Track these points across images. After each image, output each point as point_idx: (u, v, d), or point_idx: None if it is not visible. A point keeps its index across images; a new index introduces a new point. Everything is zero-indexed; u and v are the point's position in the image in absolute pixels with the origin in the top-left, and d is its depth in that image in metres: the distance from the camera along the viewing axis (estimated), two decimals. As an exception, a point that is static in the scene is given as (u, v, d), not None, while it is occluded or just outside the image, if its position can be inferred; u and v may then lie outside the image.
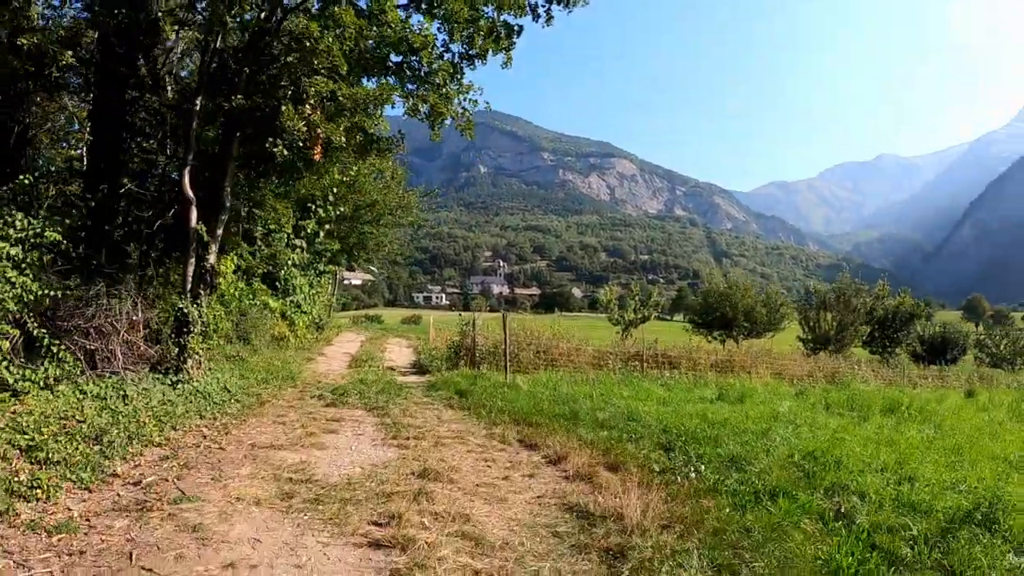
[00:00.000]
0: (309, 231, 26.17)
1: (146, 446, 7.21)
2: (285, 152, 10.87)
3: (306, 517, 5.33)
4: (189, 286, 11.20)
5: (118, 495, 5.71)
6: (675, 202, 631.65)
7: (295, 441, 8.01)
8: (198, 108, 11.14)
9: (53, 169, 15.44)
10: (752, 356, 24.81)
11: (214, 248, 11.56)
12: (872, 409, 15.13)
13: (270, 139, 10.88)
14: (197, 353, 10.95)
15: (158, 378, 10.27)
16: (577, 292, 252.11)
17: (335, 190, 27.40)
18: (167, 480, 6.17)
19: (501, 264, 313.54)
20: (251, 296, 22.31)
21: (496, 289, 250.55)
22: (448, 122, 12.64)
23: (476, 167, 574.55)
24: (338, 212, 27.84)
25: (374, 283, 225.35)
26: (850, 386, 20.97)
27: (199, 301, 11.07)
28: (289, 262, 24.38)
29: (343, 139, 10.87)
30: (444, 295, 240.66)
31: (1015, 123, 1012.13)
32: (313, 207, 26.65)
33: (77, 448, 6.51)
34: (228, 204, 11.76)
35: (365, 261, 40.55)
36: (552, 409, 10.98)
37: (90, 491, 5.75)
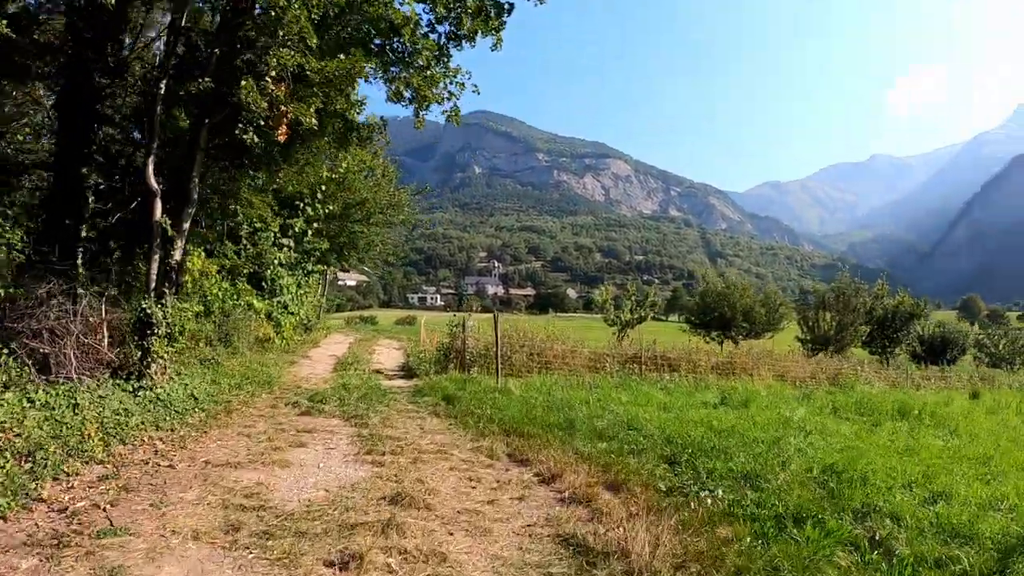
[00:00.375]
0: (297, 230, 25.32)
1: (86, 463, 6.36)
2: (256, 139, 10.00)
3: (250, 556, 4.48)
4: (153, 284, 10.34)
5: (37, 525, 4.87)
6: (670, 203, 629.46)
7: (257, 457, 7.16)
8: (163, 92, 10.28)
9: (27, 161, 14.60)
10: (753, 358, 24.02)
11: (180, 243, 10.68)
12: (882, 413, 14.43)
13: (240, 125, 10.02)
14: (161, 357, 10.09)
15: (119, 384, 9.41)
16: (572, 293, 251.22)
17: (323, 188, 26.60)
18: (98, 506, 5.32)
19: (496, 265, 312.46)
20: (235, 296, 21.47)
21: (491, 290, 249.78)
22: (434, 109, 11.78)
23: (471, 168, 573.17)
24: (327, 210, 27.01)
25: (369, 284, 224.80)
26: (855, 388, 20.36)
27: (163, 300, 10.21)
28: (275, 261, 23.51)
29: (314, 121, 10.01)
30: (439, 296, 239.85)
31: (1009, 123, 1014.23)
32: (301, 205, 25.81)
33: (2, 468, 5.67)
34: (195, 197, 10.88)
35: (357, 261, 39.69)
36: (546, 417, 10.17)
37: (5, 520, 4.91)
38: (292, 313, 24.81)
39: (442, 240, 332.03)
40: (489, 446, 8.01)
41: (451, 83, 11.65)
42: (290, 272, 25.46)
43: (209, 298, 20.70)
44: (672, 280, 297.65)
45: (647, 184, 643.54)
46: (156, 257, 10.29)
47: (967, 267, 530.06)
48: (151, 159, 10.32)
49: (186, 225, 10.75)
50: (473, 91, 12.15)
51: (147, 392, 9.42)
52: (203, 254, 21.92)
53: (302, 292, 25.93)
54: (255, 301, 21.81)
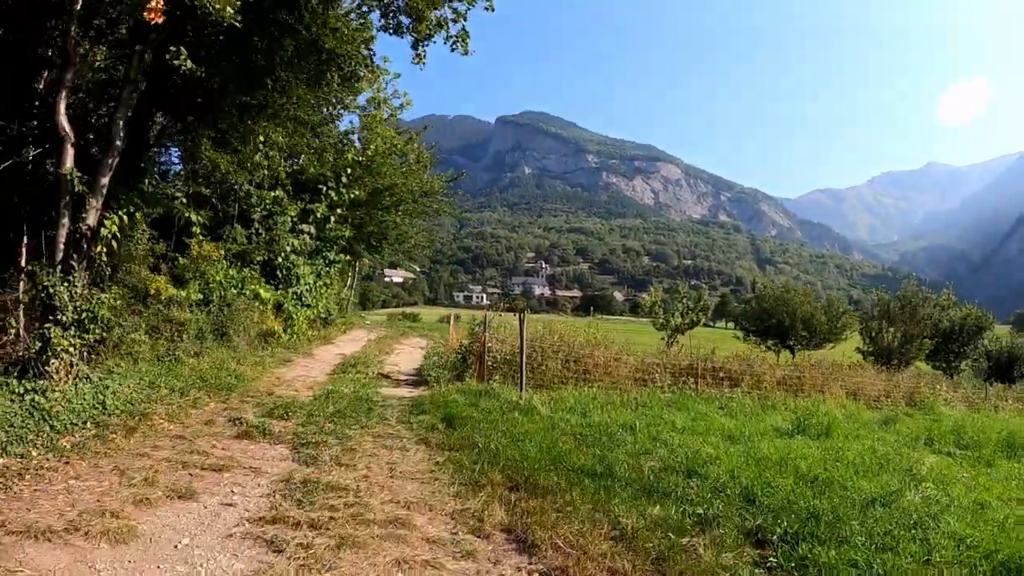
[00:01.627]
0: (318, 215, 22.96)
1: None
2: (189, 63, 7.40)
3: None
4: (60, 256, 7.82)
5: None
6: (719, 207, 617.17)
7: (97, 516, 4.50)
8: (79, 6, 7.75)
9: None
10: (823, 372, 20.82)
11: (95, 203, 8.16)
12: (987, 446, 11.59)
13: (171, 48, 7.42)
14: (67, 351, 7.58)
15: (4, 383, 6.97)
16: (619, 295, 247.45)
17: (349, 171, 24.19)
18: None
19: (543, 265, 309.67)
20: (238, 284, 19.17)
21: (537, 290, 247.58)
22: (439, 44, 9.00)
23: (520, 168, 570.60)
24: (352, 196, 24.56)
25: (415, 281, 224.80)
26: (934, 409, 17.91)
27: (71, 277, 7.69)
28: (288, 248, 21.12)
29: (231, 12, 7.21)
30: (485, 295, 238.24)
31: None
32: (324, 189, 23.42)
33: None
34: (119, 144, 8.32)
35: (392, 254, 37.22)
36: (575, 456, 7.38)
37: None
38: (308, 306, 22.45)
39: (490, 239, 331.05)
40: (480, 509, 5.18)
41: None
42: (308, 261, 23.11)
43: (211, 285, 18.49)
44: (720, 286, 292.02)
45: (697, 188, 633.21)
46: (64, 222, 7.78)
47: (1021, 279, 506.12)
48: (63, 95, 7.82)
49: (104, 180, 8.22)
50: (486, 9, 9.26)
51: (37, 397, 6.93)
52: (204, 237, 19.75)
53: (321, 283, 23.54)
54: (262, 290, 19.47)
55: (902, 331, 36.40)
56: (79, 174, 7.66)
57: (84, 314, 7.73)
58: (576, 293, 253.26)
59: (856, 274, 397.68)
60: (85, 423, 6.81)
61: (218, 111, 10.02)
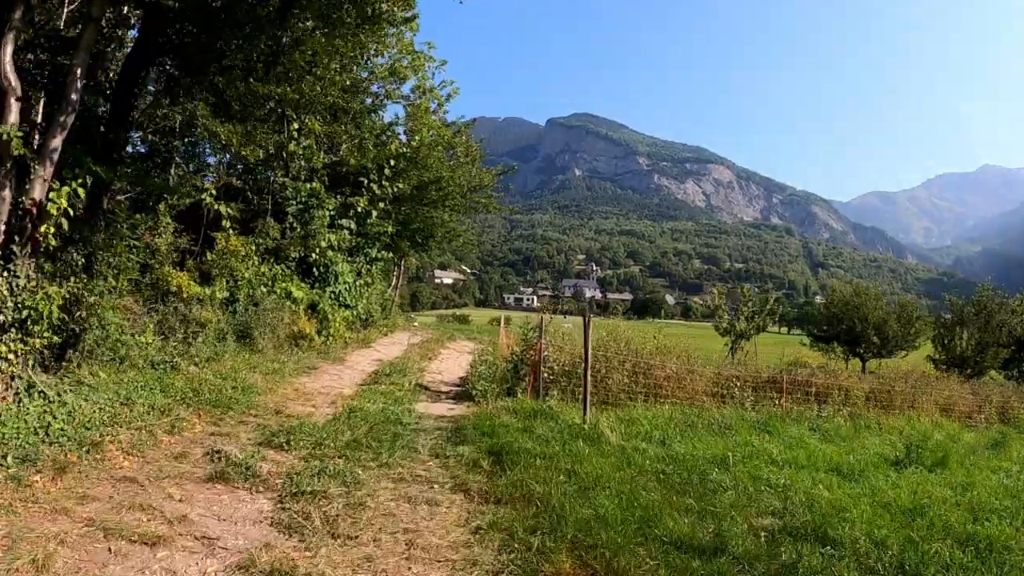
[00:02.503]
0: (359, 210, 21.31)
1: None
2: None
3: None
4: (-1, 239, 6.10)
5: None
6: (771, 210, 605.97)
7: None
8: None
9: None
10: (912, 385, 18.43)
11: (42, 172, 6.41)
12: None
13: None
14: (5, 359, 5.84)
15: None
16: (670, 299, 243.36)
17: (392, 163, 22.49)
18: None
19: (594, 268, 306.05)
20: (269, 282, 17.62)
21: (588, 293, 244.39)
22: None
23: (571, 170, 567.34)
24: (395, 189, 22.86)
25: (465, 283, 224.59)
26: None
27: (12, 266, 5.96)
28: (324, 243, 19.49)
29: None
30: (535, 297, 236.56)
31: None
32: (365, 182, 21.77)
33: None
34: (75, 98, 6.55)
35: (440, 253, 35.57)
36: (667, 515, 5.37)
37: None
38: (347, 306, 20.79)
39: (541, 241, 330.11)
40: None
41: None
42: (348, 258, 21.47)
43: (239, 282, 16.96)
44: (772, 290, 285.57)
45: (749, 190, 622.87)
46: (5, 194, 6.05)
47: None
48: (8, 38, 6.09)
49: (56, 143, 6.46)
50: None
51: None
52: (262, 236, 18.34)
53: (362, 282, 21.86)
54: (294, 289, 17.88)
55: (976, 338, 33.44)
56: (19, 134, 5.92)
57: (27, 312, 5.99)
58: (627, 296, 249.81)
59: (910, 278, 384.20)
60: (5, 457, 5.03)
61: (215, 67, 8.23)
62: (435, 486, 5.84)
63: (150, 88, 10.66)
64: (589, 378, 9.86)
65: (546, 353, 11.37)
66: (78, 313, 7.53)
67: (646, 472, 7.02)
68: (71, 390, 6.77)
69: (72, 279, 7.04)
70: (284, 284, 17.69)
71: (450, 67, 25.83)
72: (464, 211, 30.25)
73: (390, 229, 23.12)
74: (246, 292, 16.52)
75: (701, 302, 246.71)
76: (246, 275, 17.13)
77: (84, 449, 5.57)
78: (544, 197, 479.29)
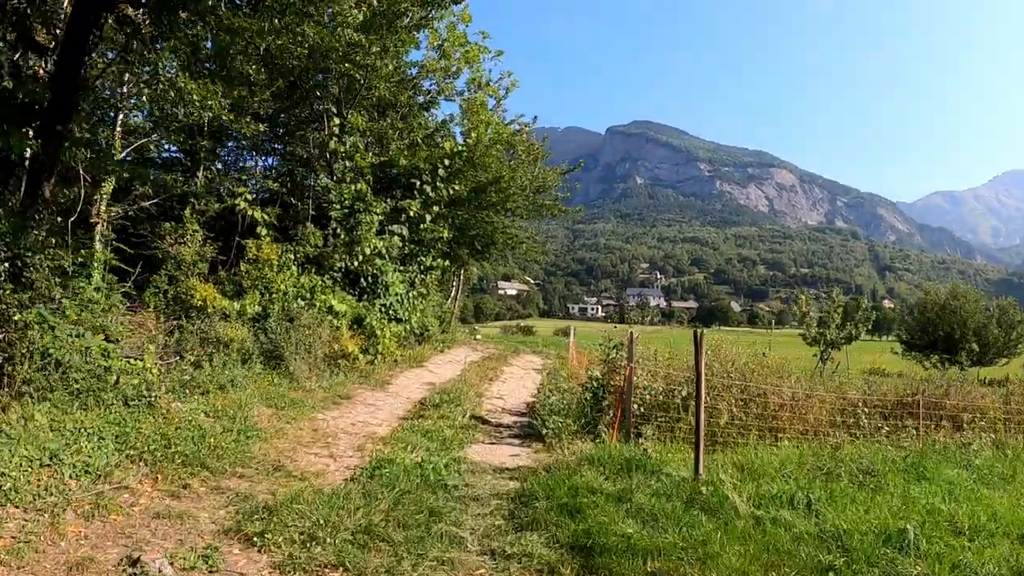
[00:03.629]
0: (411, 214, 19.15)
1: None
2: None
3: None
4: None
5: None
6: (836, 213, 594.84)
7: None
8: None
9: None
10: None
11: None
12: None
13: None
14: None
15: None
16: (735, 306, 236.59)
17: (447, 163, 20.28)
18: None
19: (658, 276, 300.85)
20: (307, 294, 15.58)
21: (653, 302, 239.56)
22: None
23: (632, 178, 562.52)
24: (451, 192, 20.63)
25: (529, 293, 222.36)
26: None
27: None
28: (368, 249, 17.38)
29: None
30: (600, 307, 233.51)
31: None
32: (418, 184, 19.62)
33: None
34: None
35: (503, 261, 33.19)
36: None
37: None
38: (398, 320, 18.63)
39: (603, 251, 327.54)
40: None
41: None
42: (399, 267, 19.35)
43: (274, 295, 14.95)
44: (840, 293, 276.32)
45: (812, 194, 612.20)
46: None
47: None
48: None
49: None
50: None
51: None
52: (269, 239, 16.39)
53: (415, 293, 19.68)
54: (335, 302, 15.77)
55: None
56: None
57: None
58: (692, 304, 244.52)
59: (980, 279, 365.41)
60: None
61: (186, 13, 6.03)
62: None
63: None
64: (702, 415, 7.20)
65: (637, 377, 8.79)
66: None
67: (800, 566, 4.48)
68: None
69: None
70: (324, 296, 15.59)
71: (499, 40, 23.64)
72: (527, 215, 27.82)
73: (445, 234, 20.87)
74: (280, 306, 14.50)
75: (768, 308, 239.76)
76: (282, 287, 15.16)
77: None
78: (606, 206, 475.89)
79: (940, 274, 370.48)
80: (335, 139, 18.46)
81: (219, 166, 18.82)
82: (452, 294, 30.69)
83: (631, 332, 9.32)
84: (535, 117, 26.40)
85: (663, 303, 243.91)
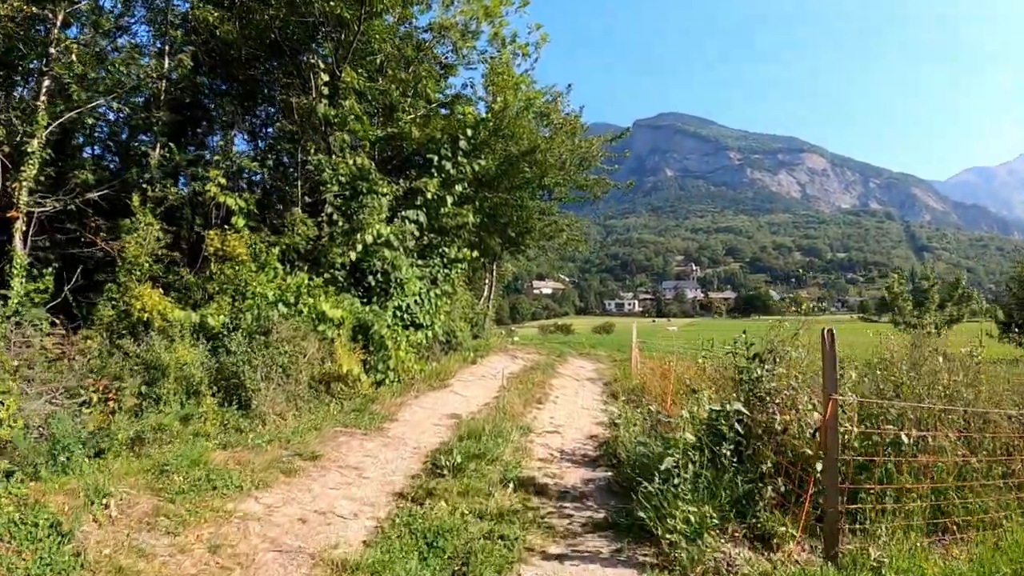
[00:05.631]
0: (428, 196, 15.24)
1: None
2: None
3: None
4: None
5: None
6: (869, 195, 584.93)
7: None
8: None
9: None
10: None
11: None
12: None
13: None
14: None
15: None
16: (774, 294, 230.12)
17: (469, 132, 16.36)
18: None
19: (693, 268, 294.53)
20: (291, 296, 11.83)
21: (690, 294, 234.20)
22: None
23: (662, 171, 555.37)
24: (476, 167, 16.70)
25: (564, 291, 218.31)
26: None
27: None
28: (371, 237, 13.57)
29: None
30: (636, 301, 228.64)
31: None
32: (436, 159, 15.73)
33: None
34: None
35: (538, 251, 28.96)
36: None
37: None
38: (418, 326, 14.82)
39: (637, 245, 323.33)
40: None
41: None
42: (417, 261, 15.53)
43: (248, 300, 11.25)
44: (877, 278, 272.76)
45: (844, 177, 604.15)
46: None
47: None
48: None
49: None
50: None
51: None
52: (247, 231, 12.78)
53: (437, 292, 15.77)
54: (327, 306, 11.93)
55: None
56: None
57: None
58: (729, 294, 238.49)
59: (1020, 255, 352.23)
60: None
61: None
62: None
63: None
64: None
65: (845, 429, 4.68)
66: None
67: None
68: None
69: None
70: (311, 300, 11.74)
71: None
72: (567, 198, 23.66)
73: (471, 219, 16.88)
74: (253, 314, 10.73)
75: (807, 295, 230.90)
76: (260, 289, 11.40)
77: None
78: (637, 200, 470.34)
79: (979, 252, 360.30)
80: (324, 102, 14.65)
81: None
82: (485, 293, 26.70)
83: (827, 329, 5.22)
84: (569, 85, 22.34)
85: (700, 295, 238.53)
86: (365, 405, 9.59)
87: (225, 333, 10.25)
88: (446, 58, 19.46)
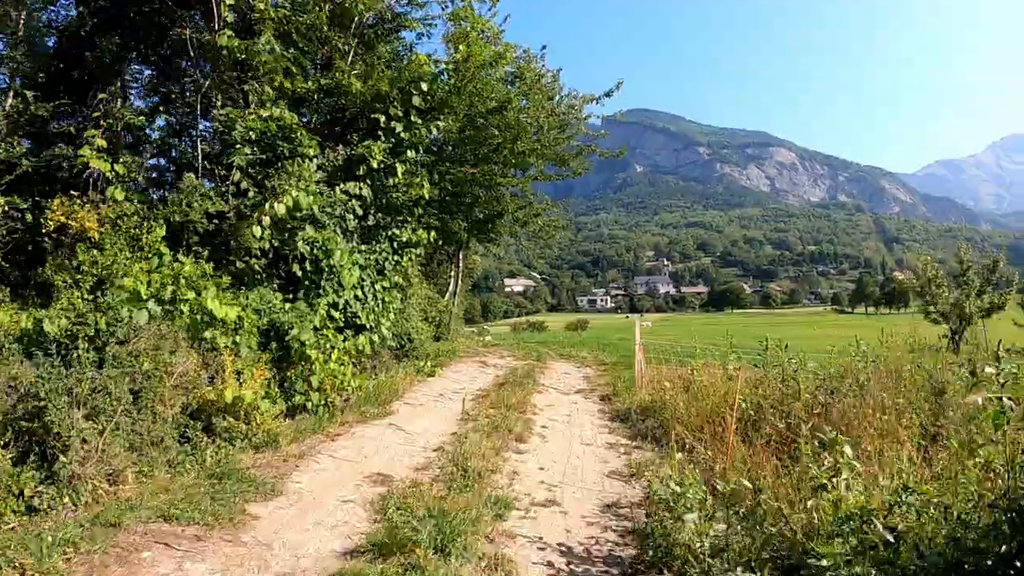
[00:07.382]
0: (375, 165, 11.65)
1: None
2: None
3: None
4: None
5: None
6: (838, 188, 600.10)
7: None
8: None
9: None
10: None
11: None
12: None
13: None
14: None
15: None
16: (746, 287, 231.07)
17: (424, 87, 12.79)
18: None
19: (665, 263, 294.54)
20: (167, 291, 8.22)
21: (662, 289, 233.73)
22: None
23: (632, 167, 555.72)
24: (434, 129, 13.12)
25: (536, 288, 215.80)
26: None
27: None
28: (283, 208, 9.96)
29: None
30: (608, 298, 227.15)
31: None
32: (383, 119, 12.13)
33: None
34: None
35: (512, 239, 25.01)
36: None
37: None
38: (363, 328, 11.32)
39: (608, 241, 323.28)
40: None
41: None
42: (357, 245, 11.90)
43: (105, 296, 7.60)
44: (849, 269, 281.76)
45: (813, 171, 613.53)
46: None
47: None
48: None
49: None
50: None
51: None
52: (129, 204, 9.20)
53: (384, 284, 12.21)
54: (214, 304, 8.29)
55: None
56: None
57: None
58: (702, 289, 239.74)
59: (988, 246, 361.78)
60: None
61: None
62: None
63: None
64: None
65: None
66: None
67: None
68: None
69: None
70: (189, 293, 8.13)
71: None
72: (544, 175, 19.97)
73: (426, 192, 13.12)
74: (110, 316, 7.13)
75: (779, 288, 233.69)
76: (124, 281, 7.84)
77: None
78: (607, 196, 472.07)
79: (948, 242, 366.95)
80: (228, 33, 11.04)
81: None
82: (450, 287, 23.06)
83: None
84: (544, 46, 18.87)
85: (672, 290, 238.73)
86: (268, 444, 6.09)
87: (65, 346, 6.67)
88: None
